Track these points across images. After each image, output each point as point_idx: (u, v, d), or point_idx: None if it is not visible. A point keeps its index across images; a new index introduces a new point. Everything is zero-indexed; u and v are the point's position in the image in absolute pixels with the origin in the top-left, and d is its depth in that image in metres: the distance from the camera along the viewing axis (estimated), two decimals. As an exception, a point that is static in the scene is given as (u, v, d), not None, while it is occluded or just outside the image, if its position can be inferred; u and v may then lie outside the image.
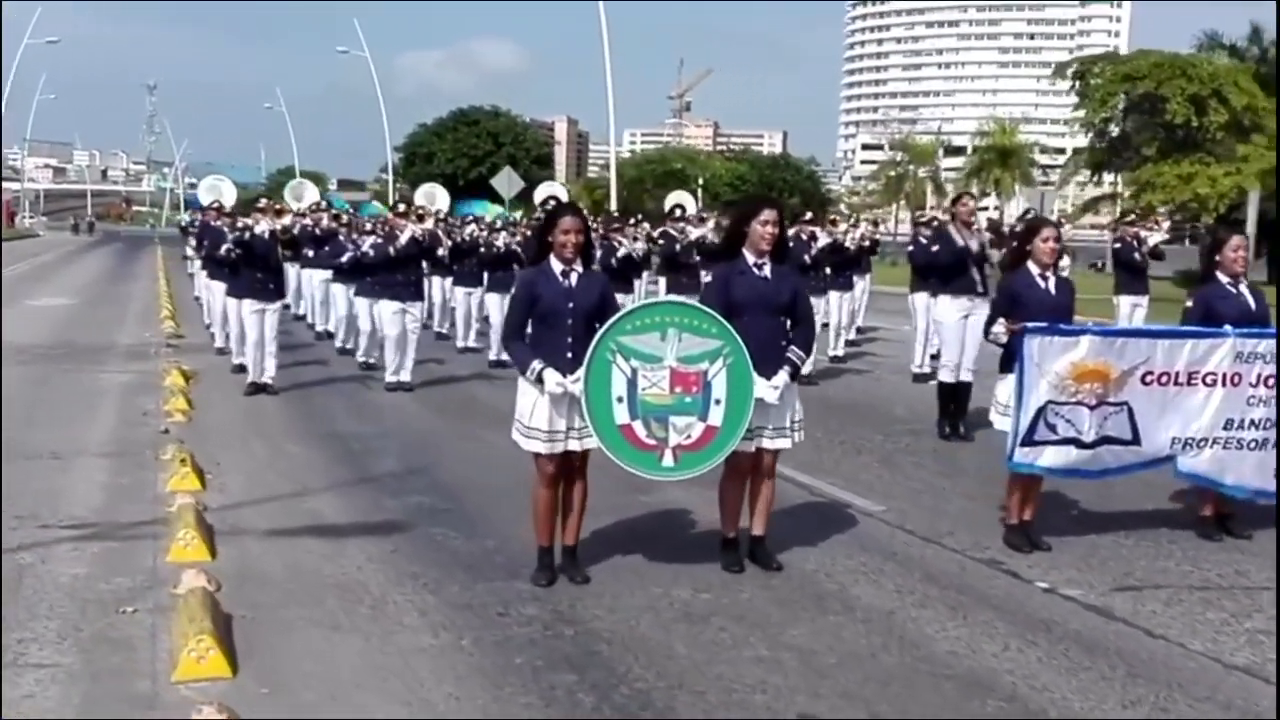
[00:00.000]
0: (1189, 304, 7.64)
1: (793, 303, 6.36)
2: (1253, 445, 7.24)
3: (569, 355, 5.99)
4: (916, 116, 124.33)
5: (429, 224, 13.53)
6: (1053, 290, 7.25)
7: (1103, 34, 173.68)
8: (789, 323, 6.38)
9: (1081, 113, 43.47)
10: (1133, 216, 16.25)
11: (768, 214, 6.34)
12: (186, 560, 6.38)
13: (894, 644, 5.44)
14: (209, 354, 15.79)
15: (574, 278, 6.07)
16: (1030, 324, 6.90)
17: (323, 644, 5.35)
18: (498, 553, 6.80)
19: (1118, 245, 14.72)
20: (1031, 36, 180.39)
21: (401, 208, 13.76)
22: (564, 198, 24.11)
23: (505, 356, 15.26)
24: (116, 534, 7.02)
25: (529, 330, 6.15)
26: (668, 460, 6.06)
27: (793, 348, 6.31)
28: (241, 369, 13.36)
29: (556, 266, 6.07)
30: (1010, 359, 7.11)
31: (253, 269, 12.72)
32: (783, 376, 6.21)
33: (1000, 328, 7.11)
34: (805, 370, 8.05)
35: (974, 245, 10.58)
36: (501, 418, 11.89)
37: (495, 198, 44.79)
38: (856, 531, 7.46)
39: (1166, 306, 17.96)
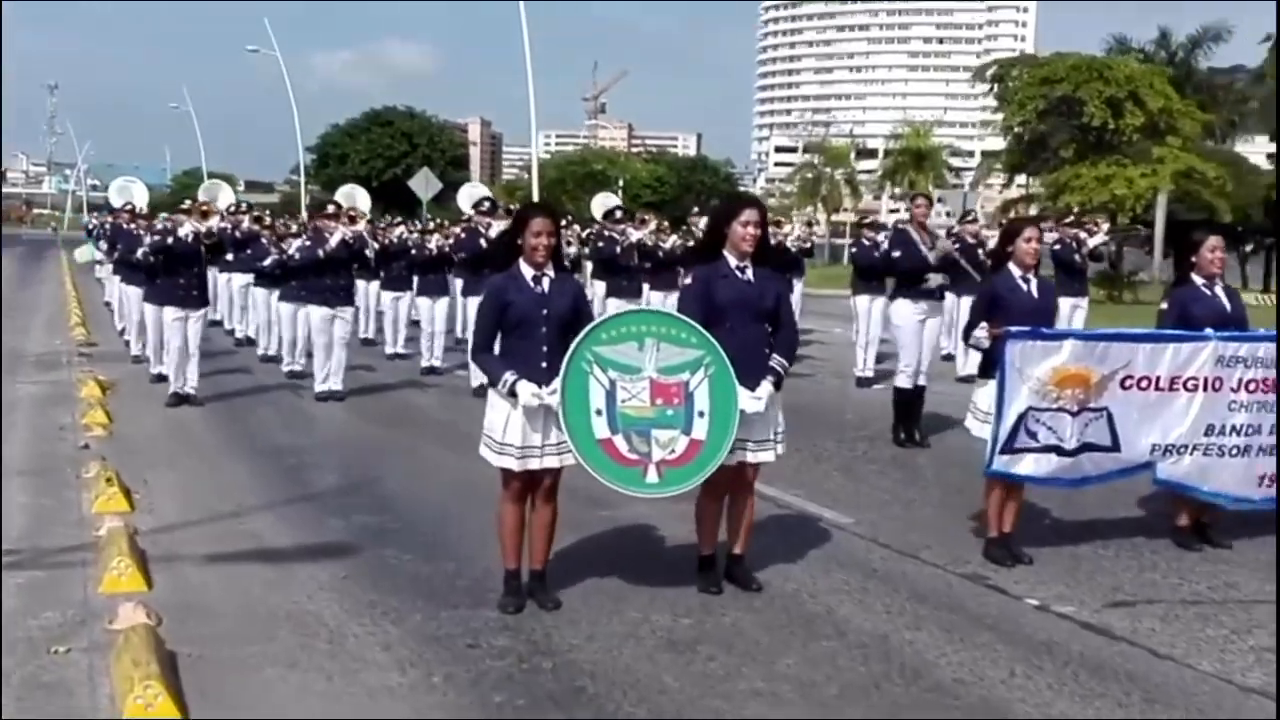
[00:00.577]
0: (1164, 306, 7.45)
1: (776, 307, 6.02)
2: (1234, 452, 7.06)
3: (544, 366, 5.58)
4: (830, 119, 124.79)
5: (360, 226, 12.98)
6: (1035, 293, 7.01)
7: (1009, 38, 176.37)
8: (770, 329, 6.05)
9: (1000, 115, 43.86)
10: (1071, 218, 16.14)
11: (749, 214, 5.99)
12: (121, 591, 5.88)
13: (895, 672, 5.12)
14: (125, 363, 15.08)
15: (546, 283, 5.67)
16: (1013, 328, 6.65)
17: (280, 685, 4.90)
18: (459, 576, 6.37)
19: (1057, 247, 14.60)
20: (940, 40, 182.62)
21: (331, 209, 13.13)
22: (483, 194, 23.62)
23: (437, 363, 14.89)
24: (43, 562, 6.47)
25: (499, 340, 5.73)
26: (652, 476, 5.68)
27: (775, 356, 5.97)
28: (161, 378, 12.73)
29: (528, 271, 5.66)
30: (990, 364, 6.86)
31: (174, 274, 12.09)
32: (766, 386, 5.86)
33: (983, 332, 6.85)
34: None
35: (929, 247, 10.34)
36: (441, 428, 11.72)
37: (413, 199, 44.01)
38: (831, 546, 7.15)
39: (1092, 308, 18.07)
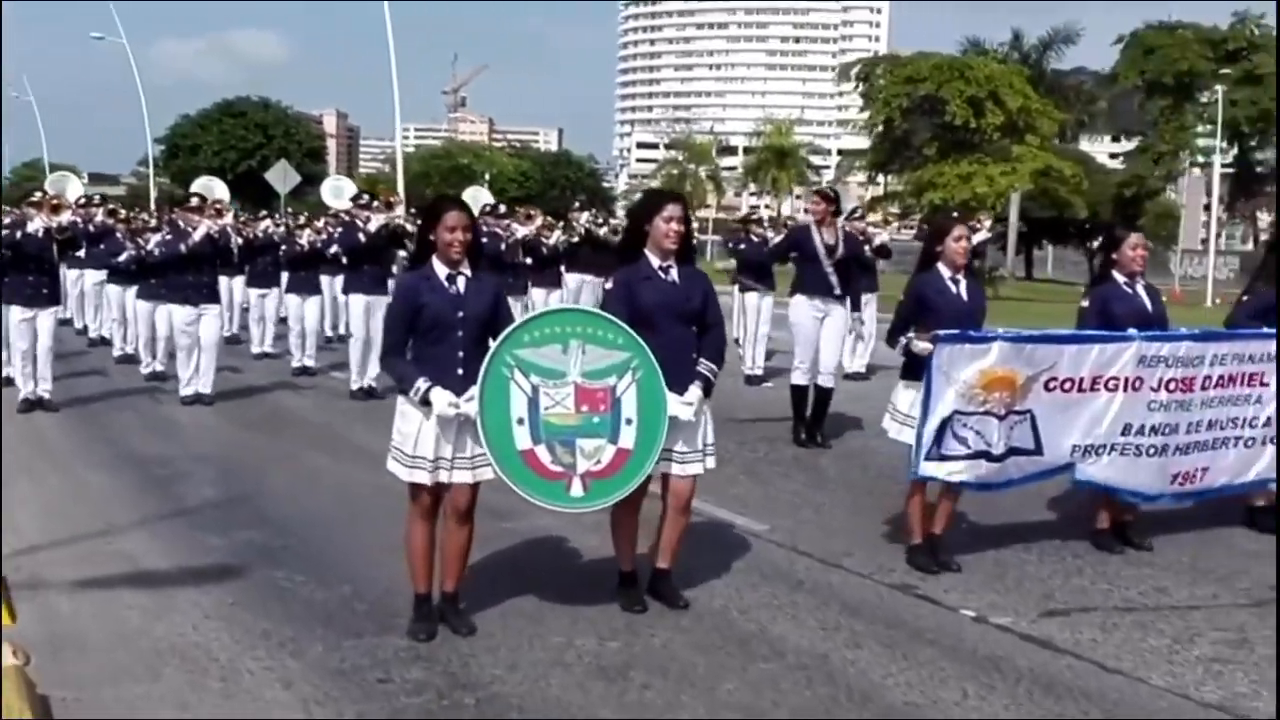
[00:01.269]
0: (1085, 304, 7.31)
1: (704, 308, 5.66)
2: (1150, 452, 6.94)
3: (459, 373, 5.12)
4: (690, 116, 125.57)
5: (227, 220, 12.23)
6: (964, 294, 6.77)
7: (864, 38, 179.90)
8: (697, 330, 5.68)
9: (862, 114, 44.44)
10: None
11: (671, 209, 5.61)
12: (-21, 627, 5.23)
13: (843, 695, 4.81)
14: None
15: (462, 282, 5.21)
16: (942, 331, 6.40)
17: (172, 732, 4.36)
18: (357, 599, 5.86)
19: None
20: (797, 40, 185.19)
21: (194, 201, 12.33)
22: (351, 191, 22.81)
23: (309, 363, 14.22)
24: (-116, 595, 5.77)
25: (411, 344, 5.25)
26: (576, 489, 5.25)
27: (704, 360, 5.61)
28: (10, 383, 11.82)
29: (441, 270, 5.19)
30: (914, 367, 6.61)
31: (23, 272, 11.21)
32: (696, 392, 5.50)
33: (922, 342, 6.52)
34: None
35: (831, 244, 10.12)
36: (319, 433, 11.06)
37: (269, 192, 42.67)
38: (751, 557, 6.81)
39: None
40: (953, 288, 6.76)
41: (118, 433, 10.58)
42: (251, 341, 16.01)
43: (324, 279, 15.09)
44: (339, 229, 13.33)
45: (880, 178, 51.24)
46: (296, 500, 8.12)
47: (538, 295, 15.10)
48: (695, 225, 17.82)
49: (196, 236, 11.69)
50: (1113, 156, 58.28)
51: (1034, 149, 39.20)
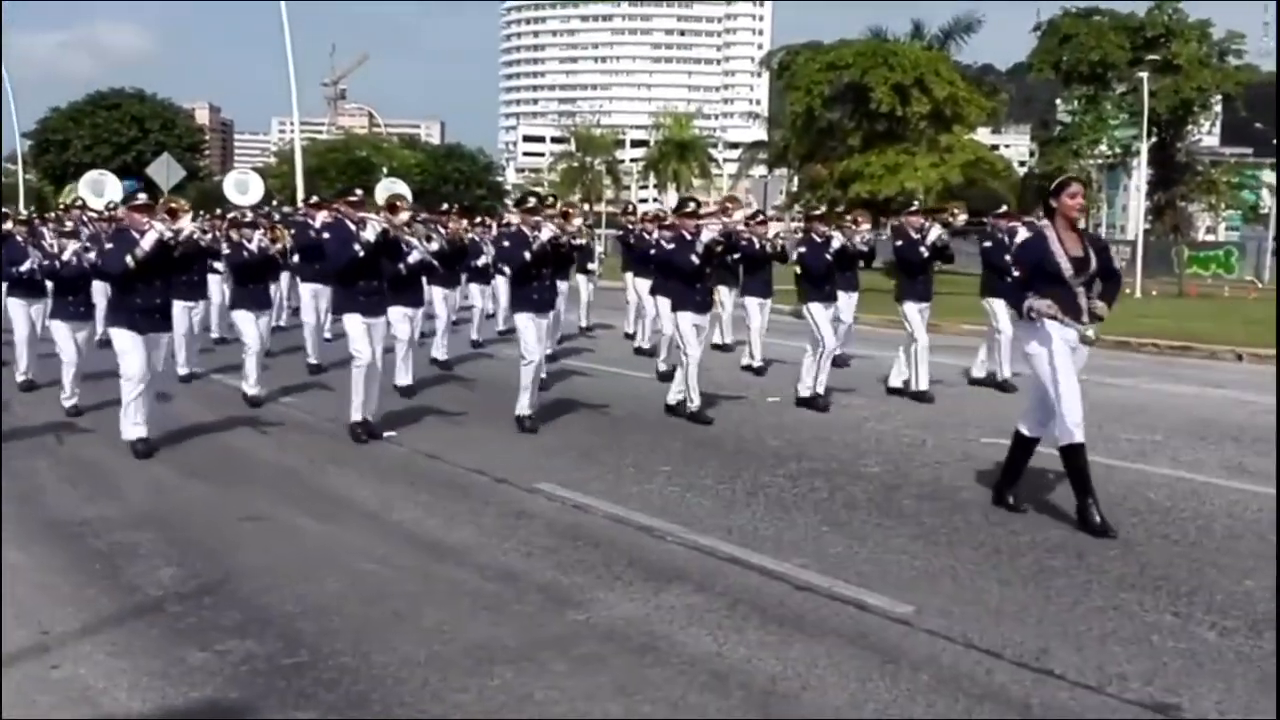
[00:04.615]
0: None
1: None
2: None
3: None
4: (577, 110, 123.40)
5: (185, 223, 9.57)
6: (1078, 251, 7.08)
7: (748, 31, 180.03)
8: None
9: (760, 107, 43.09)
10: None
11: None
12: None
13: None
14: None
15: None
16: None
17: None
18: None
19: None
20: (682, 33, 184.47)
21: (142, 198, 9.95)
22: (259, 188, 20.57)
23: (260, 392, 11.88)
24: None
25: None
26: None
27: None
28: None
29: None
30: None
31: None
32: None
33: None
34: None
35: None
36: (282, 481, 8.86)
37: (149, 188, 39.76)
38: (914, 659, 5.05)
39: (877, 298, 16.87)
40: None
41: (31, 487, 8.37)
42: (178, 364, 13.31)
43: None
44: (294, 230, 11.24)
45: (781, 171, 49.96)
46: (290, 584, 6.10)
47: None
48: (592, 219, 16.58)
49: (145, 244, 9.19)
50: (1032, 154, 57.94)
51: (963, 139, 38.17)
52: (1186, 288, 35.40)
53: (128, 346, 9.30)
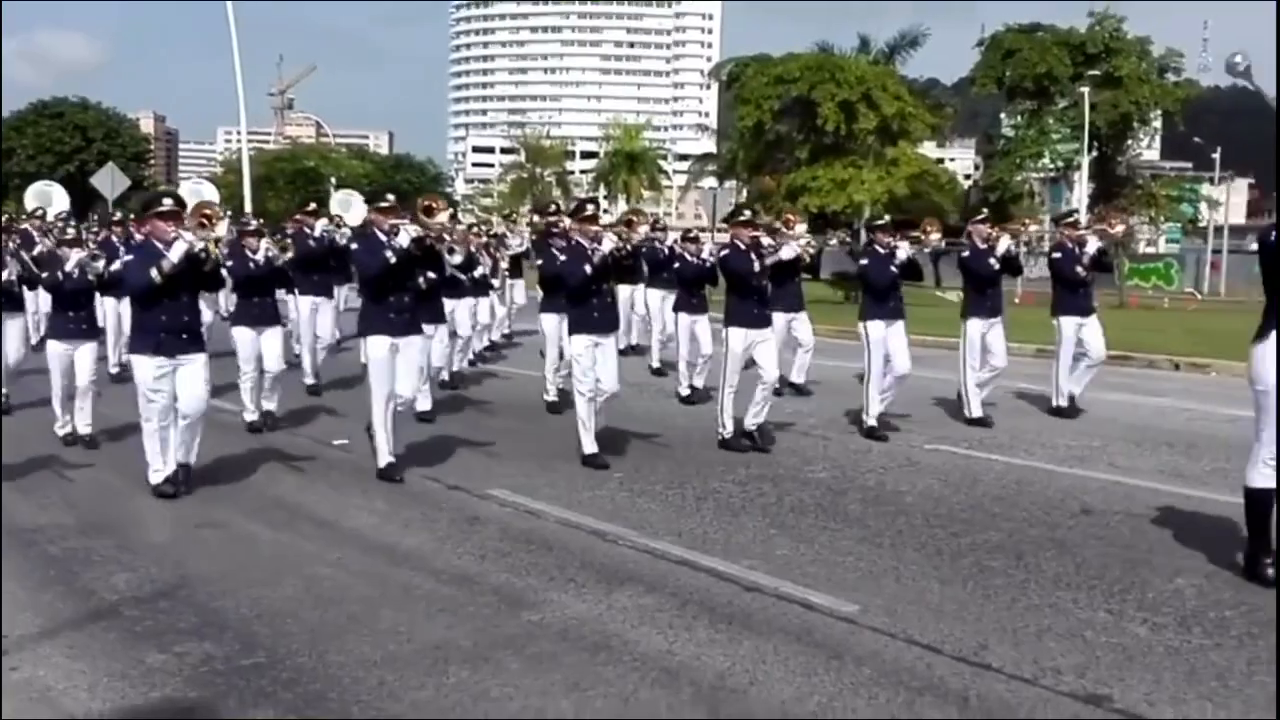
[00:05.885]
0: None
1: None
2: None
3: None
4: (526, 120, 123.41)
5: (221, 230, 8.61)
6: None
7: (697, 44, 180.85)
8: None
9: (709, 119, 43.46)
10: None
11: None
12: None
13: None
14: None
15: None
16: None
17: None
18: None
19: (1057, 255, 12.08)
20: (631, 45, 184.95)
21: (168, 204, 8.37)
22: (215, 196, 20.54)
23: (257, 418, 11.58)
24: None
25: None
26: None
27: None
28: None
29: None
30: None
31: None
32: None
33: None
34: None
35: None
36: (235, 489, 8.92)
37: (93, 200, 39.39)
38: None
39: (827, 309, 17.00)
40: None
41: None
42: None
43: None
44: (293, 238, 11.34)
45: (730, 183, 50.24)
46: (246, 589, 6.18)
47: None
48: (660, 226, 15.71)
49: (174, 256, 8.06)
50: (977, 168, 58.63)
51: (908, 153, 38.66)
52: (1127, 299, 35.94)
53: (146, 378, 8.16)
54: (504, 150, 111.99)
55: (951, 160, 77.72)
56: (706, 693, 4.76)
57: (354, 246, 9.40)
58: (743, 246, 9.99)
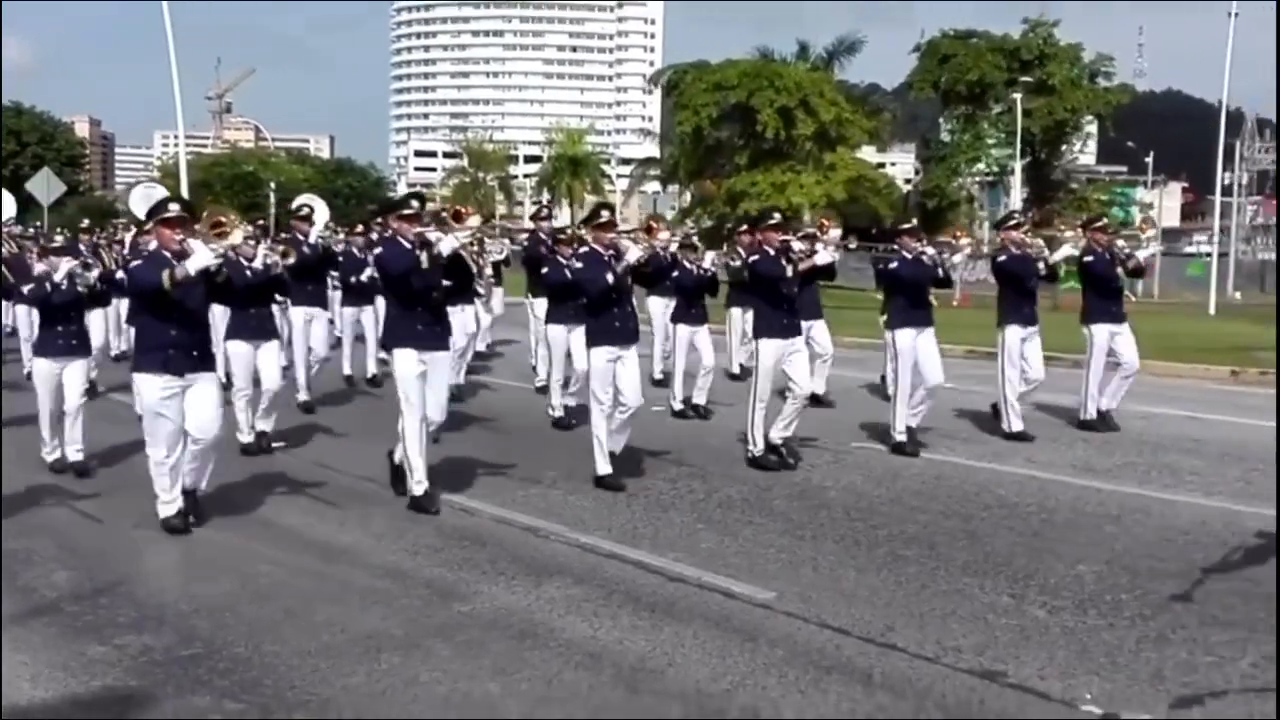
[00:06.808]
0: None
1: None
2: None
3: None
4: (468, 124, 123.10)
5: (236, 239, 7.80)
6: None
7: (639, 49, 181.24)
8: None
9: (653, 124, 43.81)
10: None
11: None
12: None
13: None
14: None
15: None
16: None
17: None
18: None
19: (1089, 258, 11.47)
20: (574, 49, 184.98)
21: (174, 209, 7.68)
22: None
23: (251, 439, 11.47)
24: None
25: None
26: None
27: None
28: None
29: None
30: None
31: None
32: None
33: None
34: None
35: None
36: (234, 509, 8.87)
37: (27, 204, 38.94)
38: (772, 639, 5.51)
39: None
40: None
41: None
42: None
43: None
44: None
45: (673, 188, 50.72)
46: (184, 585, 6.42)
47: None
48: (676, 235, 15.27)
49: (191, 267, 7.24)
50: (917, 172, 59.40)
51: (847, 158, 39.25)
52: (1061, 302, 36.58)
53: (153, 400, 7.43)
54: (447, 154, 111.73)
55: (893, 165, 78.67)
56: (627, 674, 5.02)
57: (378, 250, 8.62)
58: (772, 251, 9.45)
